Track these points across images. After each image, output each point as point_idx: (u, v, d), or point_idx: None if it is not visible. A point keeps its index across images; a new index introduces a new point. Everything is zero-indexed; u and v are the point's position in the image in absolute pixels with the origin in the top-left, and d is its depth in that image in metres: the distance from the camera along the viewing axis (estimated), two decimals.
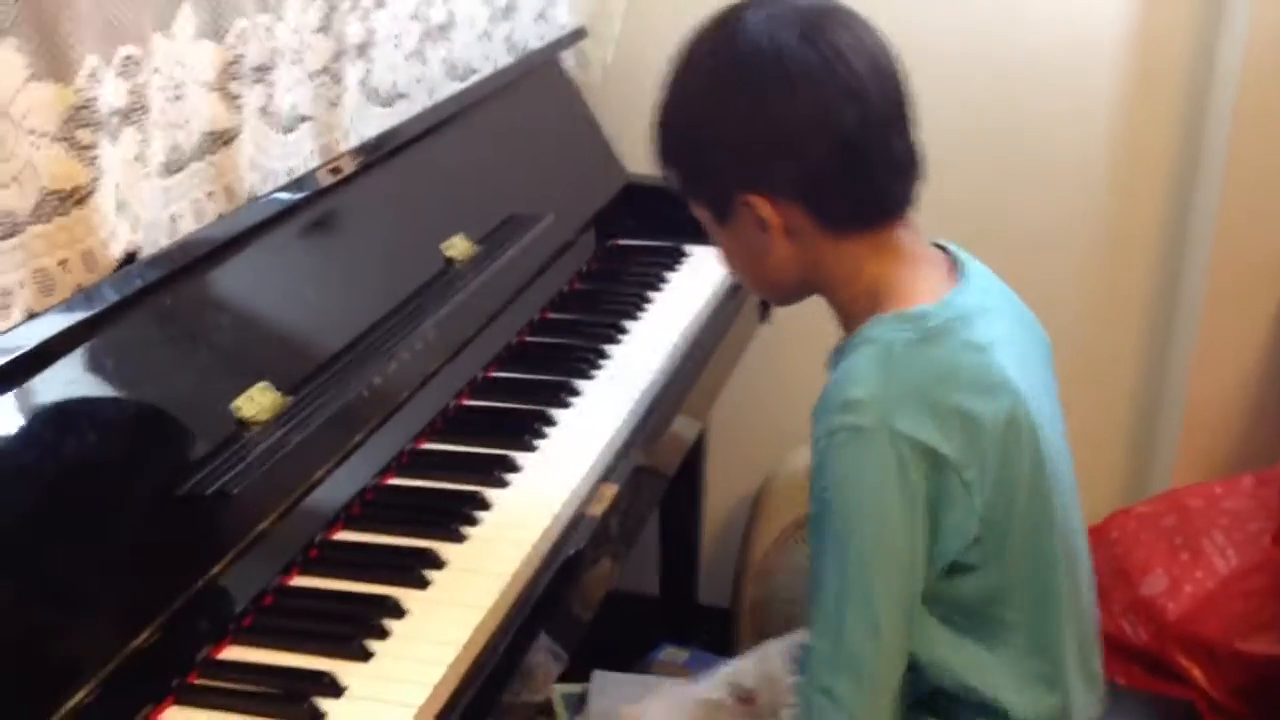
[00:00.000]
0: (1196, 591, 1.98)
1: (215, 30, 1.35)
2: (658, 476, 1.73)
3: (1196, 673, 1.96)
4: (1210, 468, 2.27)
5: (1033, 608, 1.24)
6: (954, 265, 1.28)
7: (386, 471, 1.45)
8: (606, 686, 2.09)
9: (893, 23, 1.27)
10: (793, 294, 1.31)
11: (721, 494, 2.53)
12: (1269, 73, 2.12)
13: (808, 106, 1.18)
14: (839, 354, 1.24)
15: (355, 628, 1.19)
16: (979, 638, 1.23)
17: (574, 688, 2.10)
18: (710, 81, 1.23)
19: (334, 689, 1.12)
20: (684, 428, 1.82)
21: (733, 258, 1.31)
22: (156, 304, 1.25)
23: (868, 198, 1.22)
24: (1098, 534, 2.19)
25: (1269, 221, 2.20)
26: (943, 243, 1.30)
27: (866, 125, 1.19)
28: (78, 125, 1.16)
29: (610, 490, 1.47)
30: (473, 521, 1.37)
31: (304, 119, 1.55)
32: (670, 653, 2.30)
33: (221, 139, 1.38)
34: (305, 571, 1.29)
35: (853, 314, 1.25)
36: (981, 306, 1.23)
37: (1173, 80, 2.25)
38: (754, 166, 1.21)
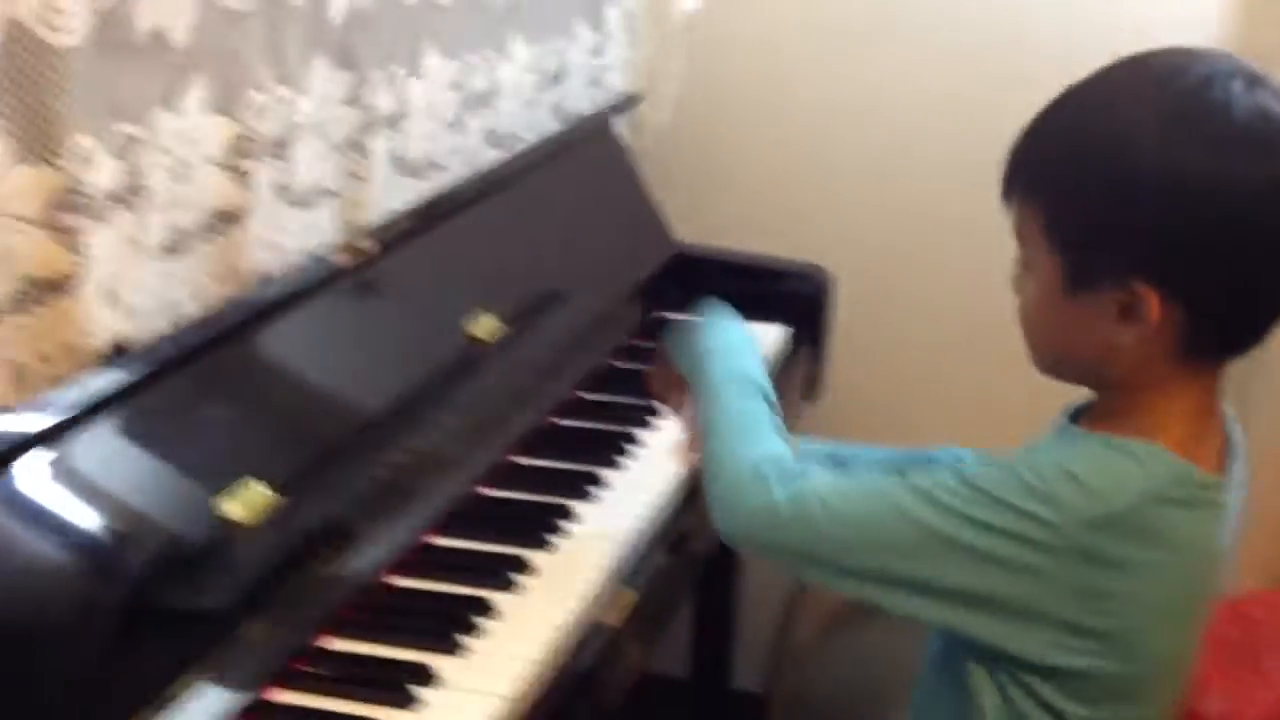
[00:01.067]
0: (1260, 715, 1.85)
1: (227, 104, 1.29)
2: (689, 566, 1.64)
3: None
4: None
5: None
6: (1226, 433, 1.09)
7: (390, 569, 1.38)
8: None
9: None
10: (1072, 377, 1.08)
11: (762, 570, 2.42)
12: None
13: (1262, 180, 0.94)
14: (1088, 437, 1.04)
15: None
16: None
17: None
18: (1156, 123, 0.95)
19: None
20: None
21: (1046, 322, 1.05)
22: (139, 401, 1.18)
23: (1247, 329, 1.00)
24: None
25: None
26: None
27: None
28: (64, 209, 1.09)
29: (628, 598, 1.39)
30: (474, 630, 1.28)
31: (325, 193, 1.49)
32: None
33: (229, 218, 1.32)
34: (288, 686, 1.21)
35: (1123, 413, 1.04)
36: (1232, 502, 1.08)
37: None
38: (1174, 250, 0.95)
